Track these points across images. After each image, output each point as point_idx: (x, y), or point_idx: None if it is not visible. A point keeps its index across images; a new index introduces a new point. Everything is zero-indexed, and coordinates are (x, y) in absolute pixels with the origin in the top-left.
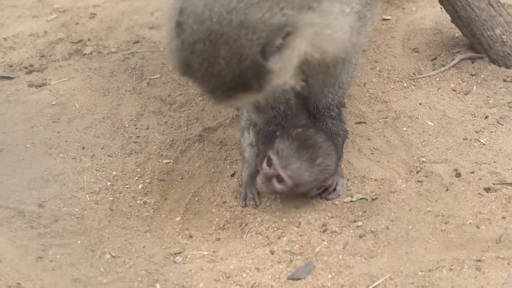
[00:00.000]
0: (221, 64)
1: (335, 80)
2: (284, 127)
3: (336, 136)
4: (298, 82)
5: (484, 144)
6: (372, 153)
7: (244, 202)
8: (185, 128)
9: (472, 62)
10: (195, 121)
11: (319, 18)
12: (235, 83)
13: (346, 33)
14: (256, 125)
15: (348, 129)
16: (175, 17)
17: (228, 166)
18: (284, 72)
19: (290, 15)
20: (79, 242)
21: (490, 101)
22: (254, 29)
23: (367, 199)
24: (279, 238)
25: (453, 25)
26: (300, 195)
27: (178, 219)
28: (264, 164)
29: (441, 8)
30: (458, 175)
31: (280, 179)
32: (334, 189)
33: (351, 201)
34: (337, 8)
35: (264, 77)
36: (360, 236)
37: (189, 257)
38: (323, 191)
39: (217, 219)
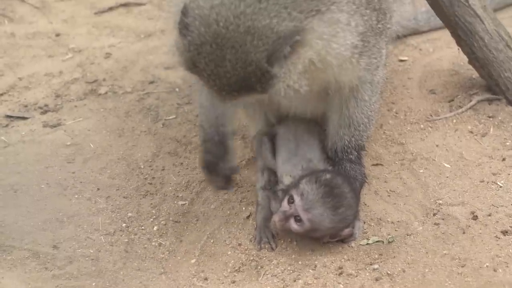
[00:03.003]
0: (227, 67)
1: (349, 121)
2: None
3: (354, 180)
4: (303, 87)
5: (501, 187)
6: (389, 195)
7: (259, 246)
8: (201, 170)
9: (489, 104)
10: None
11: (327, 26)
12: (240, 85)
13: (348, 50)
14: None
15: (366, 171)
16: (181, 17)
17: (243, 208)
18: (287, 77)
19: (297, 20)
20: (93, 284)
21: (508, 143)
22: (261, 36)
23: (383, 242)
24: (295, 281)
25: (470, 67)
26: (313, 239)
27: (193, 261)
28: (285, 202)
29: (458, 49)
30: (475, 217)
31: (298, 220)
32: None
33: (367, 243)
34: (344, 18)
35: (268, 81)
36: (377, 279)
37: None
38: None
39: (232, 261)
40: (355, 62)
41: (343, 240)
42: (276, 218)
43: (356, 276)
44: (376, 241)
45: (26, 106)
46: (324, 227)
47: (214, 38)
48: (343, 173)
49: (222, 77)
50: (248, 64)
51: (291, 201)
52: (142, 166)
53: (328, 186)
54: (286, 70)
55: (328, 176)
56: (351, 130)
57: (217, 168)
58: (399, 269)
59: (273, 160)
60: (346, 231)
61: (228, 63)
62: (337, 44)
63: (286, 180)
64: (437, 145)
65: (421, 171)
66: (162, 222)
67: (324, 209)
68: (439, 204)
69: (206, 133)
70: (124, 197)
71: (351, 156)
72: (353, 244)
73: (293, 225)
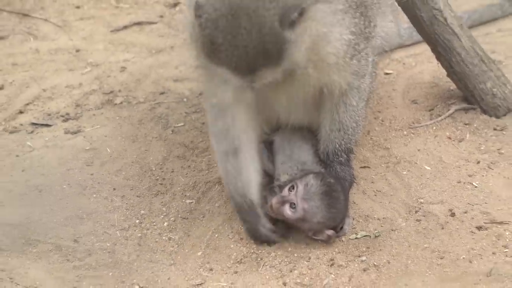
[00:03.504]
0: (243, 35)
1: (340, 125)
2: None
3: (344, 181)
4: (309, 65)
5: (476, 187)
6: (375, 195)
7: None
8: (206, 172)
9: (466, 113)
10: (215, 165)
11: (327, 13)
12: (257, 53)
13: (343, 45)
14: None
15: (354, 173)
16: (196, 1)
17: None
18: (297, 48)
19: None
20: (110, 274)
21: (482, 148)
22: (271, 1)
23: (370, 236)
24: (291, 271)
25: (448, 79)
26: (301, 231)
27: (199, 253)
28: (286, 189)
29: (438, 63)
30: (453, 214)
31: (293, 207)
32: (341, 227)
33: (356, 238)
34: (340, 12)
35: (282, 46)
36: (364, 270)
37: None
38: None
39: (235, 253)
40: (348, 60)
41: (325, 241)
42: (274, 200)
43: (346, 267)
44: (364, 236)
45: (49, 114)
46: (314, 220)
47: (229, 10)
48: (342, 185)
49: (239, 48)
50: (262, 27)
51: (292, 189)
52: (154, 169)
53: (329, 187)
54: (295, 37)
55: (332, 180)
56: (341, 133)
57: (259, 233)
58: (385, 260)
59: (270, 164)
60: (330, 232)
61: (244, 31)
62: (335, 32)
63: (283, 178)
64: (418, 150)
65: (404, 173)
66: (171, 218)
67: (320, 204)
68: (421, 202)
69: (236, 203)
70: (137, 196)
71: (341, 158)
72: (343, 238)
73: (287, 210)
